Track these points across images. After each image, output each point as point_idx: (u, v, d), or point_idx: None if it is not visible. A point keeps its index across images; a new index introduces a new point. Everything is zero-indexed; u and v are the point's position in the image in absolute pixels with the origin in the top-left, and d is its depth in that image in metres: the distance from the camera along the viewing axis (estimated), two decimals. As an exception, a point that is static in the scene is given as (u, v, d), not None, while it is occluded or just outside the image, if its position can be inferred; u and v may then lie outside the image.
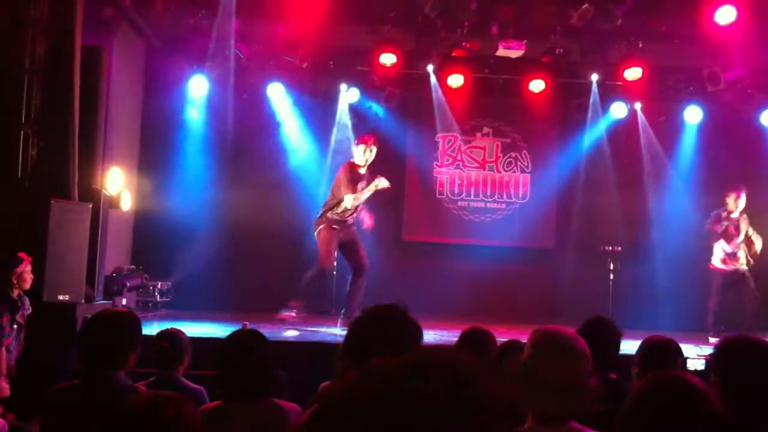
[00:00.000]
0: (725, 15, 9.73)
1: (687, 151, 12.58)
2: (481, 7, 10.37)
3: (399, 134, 12.31)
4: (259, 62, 11.44)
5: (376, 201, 9.36)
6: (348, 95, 12.15)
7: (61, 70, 7.99)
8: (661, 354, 3.99)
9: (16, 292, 6.58)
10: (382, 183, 8.56)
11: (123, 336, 3.41)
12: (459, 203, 12.85)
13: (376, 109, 12.22)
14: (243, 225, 11.51)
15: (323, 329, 8.90)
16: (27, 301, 6.69)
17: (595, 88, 12.25)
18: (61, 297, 7.55)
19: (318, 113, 12.14)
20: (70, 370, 6.30)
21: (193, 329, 7.47)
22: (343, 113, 12.25)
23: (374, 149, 8.77)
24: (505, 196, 12.91)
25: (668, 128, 12.59)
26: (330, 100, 12.17)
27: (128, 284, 10.05)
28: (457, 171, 12.90)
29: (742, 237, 9.80)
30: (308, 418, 1.20)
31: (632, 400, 2.12)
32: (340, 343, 2.95)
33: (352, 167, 8.78)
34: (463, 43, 11.18)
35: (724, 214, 9.87)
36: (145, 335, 3.72)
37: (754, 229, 9.95)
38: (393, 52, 11.10)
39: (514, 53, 10.99)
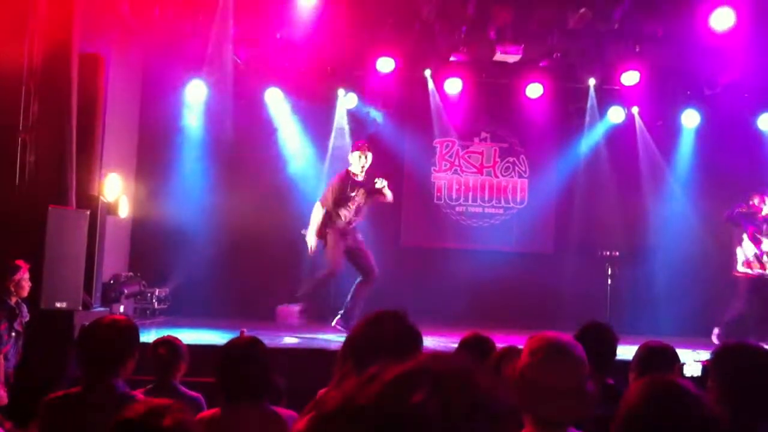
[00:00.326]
0: (722, 19, 9.74)
1: (684, 155, 12.60)
2: (478, 11, 10.37)
3: (396, 139, 12.32)
4: (256, 67, 11.44)
5: (374, 206, 9.37)
6: (346, 100, 12.16)
7: (58, 77, 7.99)
8: (658, 359, 3.99)
9: (14, 300, 6.56)
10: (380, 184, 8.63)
11: (121, 343, 3.41)
12: (457, 208, 12.86)
13: (374, 114, 12.22)
14: (241, 231, 11.50)
15: (321, 336, 8.89)
16: (25, 309, 6.68)
17: (592, 92, 12.28)
18: (58, 304, 7.53)
19: (316, 118, 12.14)
20: (68, 378, 6.29)
21: (190, 336, 7.47)
22: (340, 118, 12.26)
23: (369, 155, 8.78)
24: (503, 201, 12.92)
25: (666, 132, 12.60)
26: (328, 105, 12.17)
27: (126, 291, 10.03)
28: (454, 176, 12.91)
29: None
30: (306, 425, 1.20)
31: (625, 405, 2.12)
32: (338, 350, 2.95)
33: (346, 176, 8.81)
34: (461, 48, 11.19)
35: (744, 208, 9.72)
36: (143, 342, 3.72)
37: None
38: (390, 57, 11.12)
39: (512, 58, 11.00)
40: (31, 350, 6.69)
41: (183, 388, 4.32)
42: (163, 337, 4.57)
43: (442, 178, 12.90)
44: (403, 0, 10.27)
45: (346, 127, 12.23)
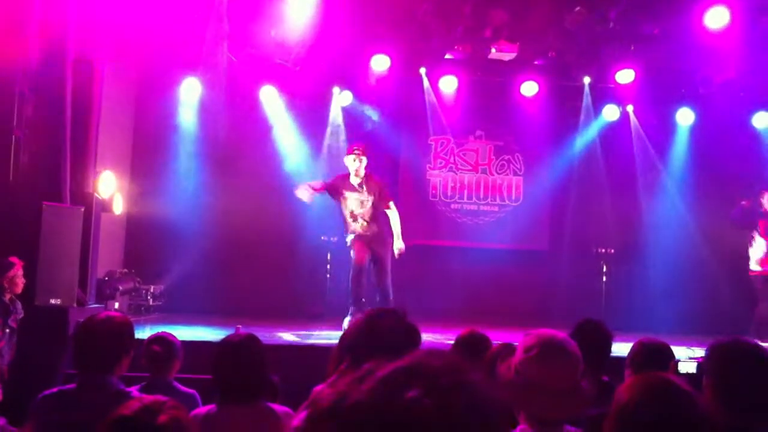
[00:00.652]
0: (716, 18, 9.76)
1: (679, 154, 12.62)
2: (474, 10, 10.37)
3: (392, 137, 12.32)
4: (251, 65, 11.42)
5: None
6: (341, 98, 12.16)
7: (53, 75, 7.99)
8: (653, 356, 4.00)
9: (8, 296, 6.55)
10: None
11: (116, 340, 3.40)
12: (452, 206, 12.87)
13: (369, 112, 12.21)
14: (235, 228, 11.50)
15: (316, 332, 8.89)
16: (19, 305, 6.67)
17: (587, 90, 12.30)
18: (53, 301, 7.52)
19: (311, 116, 12.13)
20: (63, 374, 6.29)
21: (185, 333, 7.46)
22: (336, 116, 12.25)
23: (363, 159, 8.66)
24: (498, 199, 12.94)
25: (660, 131, 12.63)
26: (323, 103, 12.16)
27: (121, 288, 10.03)
28: (450, 173, 12.92)
29: None
30: (303, 421, 1.20)
31: (618, 402, 2.12)
32: (333, 346, 2.94)
33: (343, 177, 8.80)
34: (456, 46, 11.19)
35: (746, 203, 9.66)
36: (138, 339, 3.71)
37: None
38: (386, 55, 11.12)
39: (507, 56, 11.02)
40: (26, 347, 6.68)
41: (178, 385, 4.31)
42: (158, 333, 4.56)
43: (437, 176, 12.91)
44: (398, -2, 10.27)
45: (342, 125, 12.22)
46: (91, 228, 8.57)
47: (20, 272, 6.67)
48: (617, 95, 12.21)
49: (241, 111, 11.73)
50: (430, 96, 12.30)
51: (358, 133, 11.70)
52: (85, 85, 8.76)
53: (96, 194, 9.09)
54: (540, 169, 12.90)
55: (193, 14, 10.08)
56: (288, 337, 8.52)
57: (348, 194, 8.68)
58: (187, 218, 11.07)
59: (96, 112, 9.22)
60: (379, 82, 11.67)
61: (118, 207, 10.31)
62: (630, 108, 12.54)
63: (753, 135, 12.31)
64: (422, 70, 12.03)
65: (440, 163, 12.94)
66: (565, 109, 12.69)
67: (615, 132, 12.61)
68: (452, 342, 4.38)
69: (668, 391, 2.07)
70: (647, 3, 10.26)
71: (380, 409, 1.04)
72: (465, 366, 1.12)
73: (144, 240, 11.40)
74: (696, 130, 12.45)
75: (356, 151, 8.69)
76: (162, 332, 4.60)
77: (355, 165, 8.64)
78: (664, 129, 12.61)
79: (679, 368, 3.85)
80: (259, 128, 11.98)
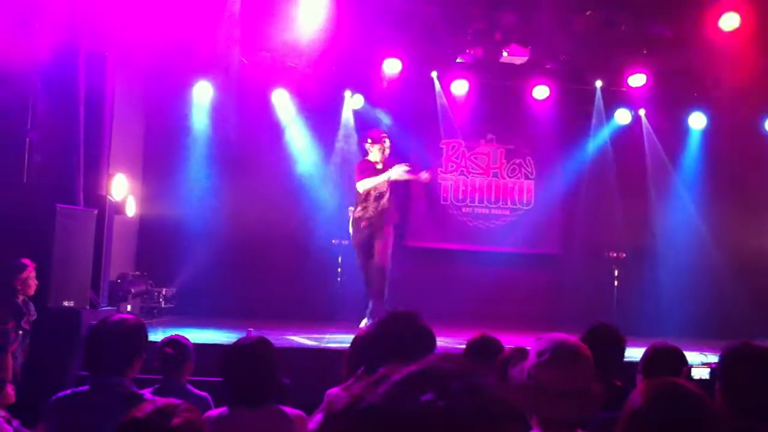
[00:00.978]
0: (729, 21, 9.73)
1: (691, 158, 12.58)
2: (485, 13, 10.38)
3: (403, 140, 12.31)
4: (263, 68, 11.45)
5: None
6: (352, 101, 12.17)
7: (66, 77, 8.02)
8: (666, 361, 3.98)
9: (20, 298, 6.59)
10: (395, 173, 8.61)
11: (129, 342, 3.41)
12: (463, 209, 12.86)
13: (380, 115, 12.22)
14: (247, 231, 11.51)
15: (327, 335, 8.89)
16: (32, 307, 6.70)
17: (599, 94, 12.28)
18: (66, 303, 7.55)
19: (322, 120, 12.15)
20: (75, 376, 6.32)
21: (197, 336, 7.47)
22: (347, 119, 12.27)
23: (387, 142, 8.84)
24: (509, 203, 12.92)
25: (672, 134, 12.59)
26: (334, 106, 12.18)
27: (133, 290, 10.05)
28: (461, 177, 12.91)
29: None
30: (318, 424, 1.20)
31: (630, 406, 2.12)
32: (346, 350, 2.95)
33: (365, 163, 8.87)
34: (467, 50, 11.19)
35: None
36: (150, 342, 3.72)
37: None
38: (397, 59, 11.13)
39: (518, 60, 11.00)
40: (39, 349, 6.70)
41: (191, 388, 4.32)
42: (171, 336, 4.57)
43: (448, 179, 12.90)
44: (410, 1, 10.27)
45: (353, 129, 12.23)
46: (104, 230, 8.59)
47: (33, 274, 6.70)
48: (629, 99, 12.19)
49: (252, 114, 11.76)
50: (441, 99, 12.31)
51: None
52: (97, 87, 8.79)
53: (109, 197, 9.13)
54: (551, 172, 12.88)
55: (206, 17, 10.11)
56: (299, 339, 8.52)
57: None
58: (198, 221, 11.10)
59: (108, 114, 9.25)
60: (390, 86, 11.69)
61: (131, 209, 10.35)
62: (642, 111, 12.52)
63: (765, 139, 12.26)
64: (434, 74, 12.04)
65: (451, 166, 12.93)
66: (576, 112, 12.66)
67: (627, 136, 12.59)
68: (463, 346, 4.37)
69: (680, 396, 2.07)
70: (659, 6, 10.24)
71: (395, 412, 1.05)
72: (479, 370, 1.13)
73: (156, 242, 11.43)
74: (708, 134, 12.41)
75: (381, 137, 8.83)
76: (175, 335, 4.61)
77: (380, 154, 8.74)
78: (676, 133, 12.58)
79: (692, 374, 3.83)
80: (270, 131, 12.01)
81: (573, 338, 2.60)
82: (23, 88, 7.80)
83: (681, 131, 12.55)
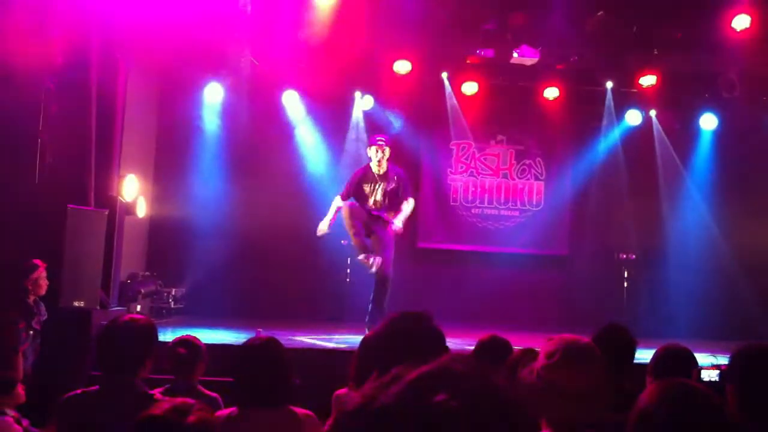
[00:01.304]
0: (741, 22, 9.70)
1: (702, 159, 12.55)
2: (496, 14, 10.36)
3: (413, 141, 12.32)
4: (274, 69, 11.46)
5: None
6: (362, 102, 12.18)
7: (78, 78, 8.06)
8: (676, 362, 3.97)
9: (31, 298, 6.62)
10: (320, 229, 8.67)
11: (140, 342, 3.42)
12: (473, 210, 12.85)
13: (390, 116, 12.23)
14: (257, 232, 11.54)
15: (336, 336, 8.90)
16: (43, 307, 6.73)
17: (609, 95, 12.25)
18: (76, 303, 7.58)
19: (332, 120, 12.17)
20: (86, 376, 6.34)
21: (206, 336, 7.48)
22: (357, 120, 12.28)
23: (387, 150, 8.55)
24: (519, 204, 12.90)
25: (683, 135, 12.56)
26: (344, 107, 12.19)
27: (143, 290, 10.09)
28: (471, 178, 12.90)
29: None
30: (331, 426, 1.21)
31: (639, 408, 2.11)
32: (355, 350, 2.94)
33: (358, 171, 8.79)
34: (478, 51, 11.18)
35: None
36: (161, 342, 3.73)
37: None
38: (407, 60, 11.12)
39: (529, 61, 10.98)
40: (49, 348, 6.73)
41: (202, 388, 4.33)
42: (183, 336, 4.57)
43: (458, 181, 12.90)
44: (420, 2, 10.26)
45: (363, 129, 12.24)
46: (115, 231, 8.63)
47: (43, 274, 6.73)
48: (640, 100, 12.15)
49: (263, 114, 11.78)
50: (451, 100, 12.30)
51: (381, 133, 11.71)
52: (109, 88, 8.83)
53: (120, 197, 9.17)
54: (561, 173, 12.86)
55: (217, 18, 10.13)
56: (308, 340, 8.53)
57: (368, 186, 8.64)
58: (208, 221, 11.13)
59: (120, 115, 9.29)
60: (400, 86, 11.68)
61: (142, 210, 10.39)
62: (653, 112, 12.48)
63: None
64: (444, 75, 12.03)
65: (461, 167, 12.93)
66: (587, 113, 12.64)
67: (637, 137, 12.55)
68: (473, 347, 4.37)
69: (689, 397, 2.06)
70: (670, 7, 10.21)
71: (407, 413, 1.05)
72: (490, 371, 1.13)
73: (166, 243, 11.47)
74: (719, 135, 12.37)
75: (379, 142, 8.59)
76: (187, 335, 4.61)
77: (379, 156, 8.52)
78: (687, 134, 12.55)
79: (702, 376, 3.81)
80: (281, 132, 12.03)
81: (584, 339, 2.60)
82: (35, 90, 7.84)
83: (692, 132, 12.52)
